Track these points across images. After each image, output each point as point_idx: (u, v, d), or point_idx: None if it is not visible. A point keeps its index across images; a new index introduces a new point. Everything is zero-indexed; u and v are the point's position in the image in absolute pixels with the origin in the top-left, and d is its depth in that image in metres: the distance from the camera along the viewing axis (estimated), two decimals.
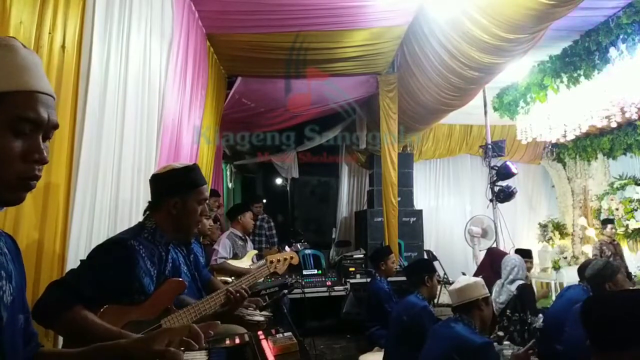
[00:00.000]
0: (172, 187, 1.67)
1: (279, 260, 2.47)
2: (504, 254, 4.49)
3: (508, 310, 3.64)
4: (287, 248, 5.61)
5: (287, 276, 3.98)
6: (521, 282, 3.71)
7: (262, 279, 2.52)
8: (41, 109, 0.78)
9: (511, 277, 3.73)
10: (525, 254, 4.15)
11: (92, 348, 0.97)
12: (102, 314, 1.40)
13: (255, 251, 4.12)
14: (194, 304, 1.67)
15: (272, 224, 6.04)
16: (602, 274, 2.65)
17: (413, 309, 2.77)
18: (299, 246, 6.00)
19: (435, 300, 5.23)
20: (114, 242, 1.57)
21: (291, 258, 2.54)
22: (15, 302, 0.85)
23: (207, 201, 1.81)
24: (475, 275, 3.90)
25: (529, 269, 4.21)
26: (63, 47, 1.79)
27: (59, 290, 1.38)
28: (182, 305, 1.65)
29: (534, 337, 3.17)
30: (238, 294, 1.88)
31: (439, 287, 3.40)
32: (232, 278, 3.43)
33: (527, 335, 3.40)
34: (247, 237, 4.27)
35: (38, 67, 0.81)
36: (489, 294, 2.26)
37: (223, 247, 3.88)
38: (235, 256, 3.92)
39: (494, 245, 5.26)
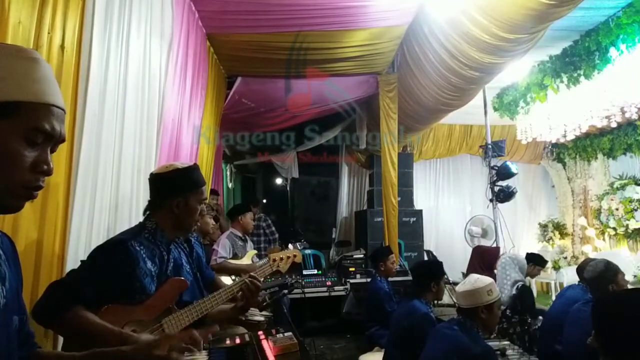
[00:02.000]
0: (177, 186, 1.68)
1: (281, 259, 2.40)
2: (492, 250, 4.48)
3: (508, 311, 3.62)
4: (290, 246, 5.60)
5: (287, 276, 3.97)
6: (521, 282, 3.68)
7: (263, 278, 2.50)
8: (55, 122, 0.81)
9: (515, 278, 3.66)
10: (538, 260, 4.10)
11: (92, 353, 0.97)
12: (103, 314, 1.40)
13: (255, 251, 4.11)
14: (195, 304, 1.67)
15: (270, 221, 6.03)
16: (604, 276, 2.60)
17: (414, 314, 2.74)
18: (298, 246, 6.00)
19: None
20: (114, 242, 1.57)
21: (294, 256, 2.49)
22: (9, 304, 0.84)
23: (206, 200, 1.81)
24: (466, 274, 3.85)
25: (532, 275, 4.19)
26: (62, 47, 1.78)
27: (58, 291, 1.38)
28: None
29: (535, 341, 3.14)
30: (253, 284, 1.89)
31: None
32: (233, 277, 3.42)
33: (528, 338, 3.36)
34: (247, 237, 4.27)
35: (55, 81, 0.84)
36: (493, 300, 2.14)
37: (222, 247, 3.88)
38: (235, 256, 3.92)
39: (494, 246, 5.25)
